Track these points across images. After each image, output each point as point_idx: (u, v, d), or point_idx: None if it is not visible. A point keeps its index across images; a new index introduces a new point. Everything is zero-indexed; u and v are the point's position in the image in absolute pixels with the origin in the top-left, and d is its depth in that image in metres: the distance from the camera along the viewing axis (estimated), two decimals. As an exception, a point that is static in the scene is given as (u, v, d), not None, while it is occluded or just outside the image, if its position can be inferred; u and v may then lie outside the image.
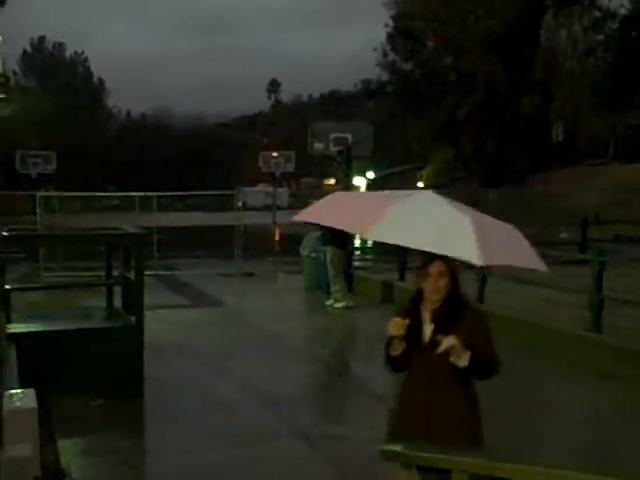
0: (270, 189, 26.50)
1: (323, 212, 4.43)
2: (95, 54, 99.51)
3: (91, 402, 7.60)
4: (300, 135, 39.72)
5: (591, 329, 9.87)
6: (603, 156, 41.75)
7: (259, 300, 15.38)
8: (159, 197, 21.52)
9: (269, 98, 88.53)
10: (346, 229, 4.46)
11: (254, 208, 21.55)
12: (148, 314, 8.73)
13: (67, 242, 11.32)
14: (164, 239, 20.17)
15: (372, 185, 30.51)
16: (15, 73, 68.88)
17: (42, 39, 76.35)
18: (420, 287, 4.10)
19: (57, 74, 72.55)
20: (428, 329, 4.04)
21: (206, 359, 9.90)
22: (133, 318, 8.42)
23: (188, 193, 32.13)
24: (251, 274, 18.72)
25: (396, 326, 3.93)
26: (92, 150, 66.86)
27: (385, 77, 54.51)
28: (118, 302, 9.43)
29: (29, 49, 75.32)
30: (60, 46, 76.86)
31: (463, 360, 3.80)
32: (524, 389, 8.59)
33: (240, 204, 21.12)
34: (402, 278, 14.33)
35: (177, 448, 6.69)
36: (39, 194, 20.11)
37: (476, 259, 3.53)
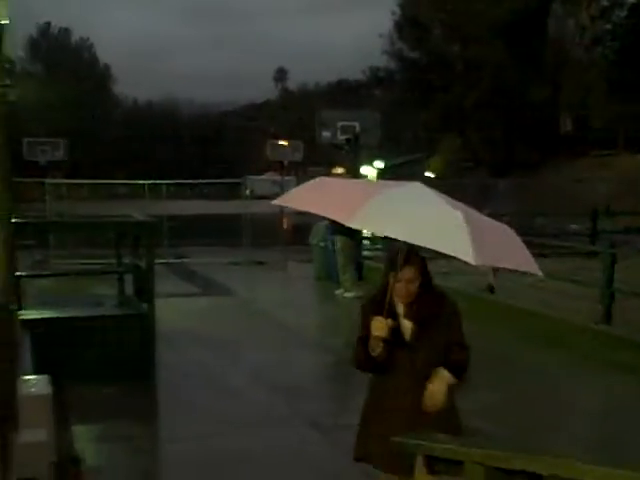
0: (278, 178, 26.45)
1: (305, 198, 4.11)
2: (101, 41, 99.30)
3: (104, 389, 7.66)
4: (308, 124, 39.67)
5: (602, 321, 9.88)
6: (612, 147, 41.58)
7: (269, 289, 15.42)
8: (168, 185, 21.53)
9: (276, 86, 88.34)
10: (327, 215, 4.21)
11: (262, 196, 21.49)
12: (159, 302, 8.78)
13: (77, 229, 11.39)
14: (173, 227, 20.20)
15: (381, 174, 30.46)
16: (21, 59, 68.87)
17: (47, 25, 76.18)
18: (388, 281, 3.94)
19: (63, 60, 72.38)
20: (407, 326, 3.95)
21: (216, 347, 9.95)
22: (144, 306, 8.48)
23: (196, 181, 32.13)
24: (260, 262, 18.75)
25: (380, 327, 3.80)
26: (100, 137, 66.87)
27: (392, 65, 54.43)
28: (129, 290, 9.48)
29: (35, 34, 75.19)
30: (65, 32, 76.69)
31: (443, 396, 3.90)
32: (535, 381, 8.61)
33: (248, 192, 21.12)
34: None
35: (188, 434, 6.75)
36: (47, 181, 20.13)
37: (471, 259, 3.35)
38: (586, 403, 7.89)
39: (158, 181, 20.71)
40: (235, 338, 10.54)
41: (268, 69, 79.53)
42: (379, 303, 3.91)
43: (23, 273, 8.79)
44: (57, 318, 8.18)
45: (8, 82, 6.08)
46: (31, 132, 34.78)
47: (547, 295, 11.87)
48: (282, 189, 17.40)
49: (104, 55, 78.28)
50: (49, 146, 29.67)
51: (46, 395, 5.55)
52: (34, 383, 5.66)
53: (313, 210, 4.05)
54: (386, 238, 4.31)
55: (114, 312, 8.84)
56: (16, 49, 59.82)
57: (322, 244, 15.68)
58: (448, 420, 4.00)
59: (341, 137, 17.34)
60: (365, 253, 17.09)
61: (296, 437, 6.76)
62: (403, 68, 53.13)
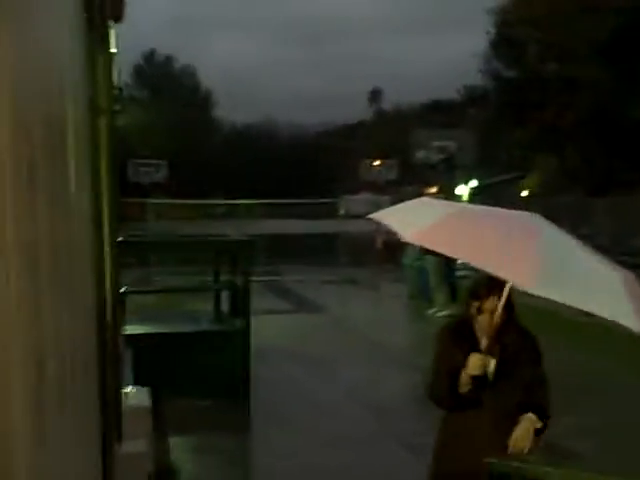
0: (372, 197, 26.63)
1: (433, 235, 3.62)
2: (203, 66, 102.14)
3: (200, 402, 7.86)
4: (402, 143, 39.68)
5: None
6: None
7: (361, 307, 15.49)
8: (263, 205, 21.91)
9: (370, 107, 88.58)
10: (485, 269, 3.47)
11: (356, 216, 21.66)
12: (253, 319, 8.95)
13: (178, 248, 11.71)
14: (269, 245, 20.53)
15: (475, 194, 30.19)
16: (127, 85, 71.42)
17: (152, 52, 78.98)
18: (471, 313, 3.78)
19: (166, 86, 74.84)
20: (490, 362, 3.71)
21: (310, 364, 10.07)
22: (240, 322, 8.66)
23: (291, 201, 32.57)
24: (354, 281, 18.84)
25: (478, 365, 3.61)
26: (199, 159, 68.58)
27: (487, 84, 53.93)
28: (224, 306, 9.71)
29: (141, 62, 78.02)
30: (169, 59, 79.40)
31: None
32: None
33: (342, 212, 21.30)
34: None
35: (281, 450, 6.86)
36: (150, 201, 20.79)
37: (635, 325, 3.15)
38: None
39: (254, 201, 21.10)
40: (328, 355, 10.64)
41: (363, 90, 79.69)
42: (460, 334, 3.79)
43: (127, 289, 9.11)
44: (157, 333, 8.45)
45: (116, 108, 6.37)
46: (135, 154, 35.98)
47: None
48: (377, 209, 17.45)
49: (206, 80, 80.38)
50: (152, 168, 30.71)
51: (146, 407, 5.76)
52: (135, 395, 5.88)
53: (446, 252, 3.72)
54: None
55: (211, 328, 9.06)
56: (123, 76, 62.09)
57: (416, 263, 15.65)
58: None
59: (436, 157, 17.33)
60: (459, 273, 16.95)
61: (388, 456, 6.78)
62: (498, 87, 52.57)
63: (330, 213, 23.82)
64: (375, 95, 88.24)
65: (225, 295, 9.74)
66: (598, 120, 43.70)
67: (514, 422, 3.69)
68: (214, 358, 8.27)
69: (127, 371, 6.79)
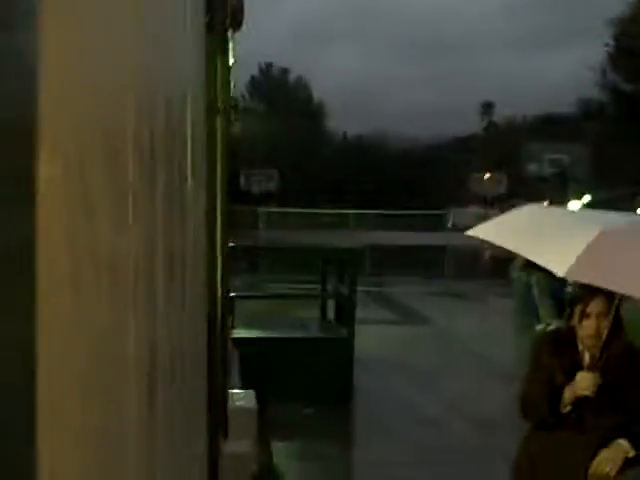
0: (481, 210, 26.28)
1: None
2: (316, 79, 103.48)
3: (303, 407, 7.94)
4: (513, 157, 38.97)
5: None
6: None
7: (467, 320, 15.28)
8: (372, 215, 21.98)
9: (482, 120, 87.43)
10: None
11: (465, 229, 21.42)
12: (358, 328, 8.99)
13: (286, 254, 11.90)
14: (376, 256, 20.56)
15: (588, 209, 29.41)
16: (243, 96, 73.04)
17: (269, 65, 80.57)
18: (572, 325, 3.53)
19: (280, 98, 76.15)
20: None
21: (412, 375, 10.02)
22: (345, 330, 8.71)
23: (400, 212, 32.52)
24: (460, 294, 18.64)
25: (587, 385, 3.34)
26: (309, 169, 69.29)
27: (604, 98, 52.35)
28: (329, 314, 9.79)
29: (257, 74, 79.68)
30: (284, 72, 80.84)
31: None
32: None
33: (451, 224, 21.14)
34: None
35: (382, 459, 6.85)
36: (260, 210, 21.19)
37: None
38: None
39: (362, 211, 21.20)
40: (431, 367, 10.56)
41: (474, 103, 78.62)
42: (560, 345, 3.56)
43: (236, 294, 9.31)
44: (264, 338, 8.60)
45: (232, 118, 6.53)
46: (249, 165, 36.69)
47: None
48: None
49: (318, 92, 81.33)
50: (264, 177, 31.31)
51: (252, 409, 5.87)
52: (241, 397, 6.00)
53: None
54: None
55: (318, 335, 9.15)
56: (239, 87, 63.50)
57: (524, 278, 15.35)
58: None
59: (548, 170, 16.99)
60: (568, 289, 16.52)
61: (492, 472, 6.67)
62: (615, 100, 50.95)
63: (439, 225, 23.69)
64: (487, 108, 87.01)
65: (331, 303, 9.82)
66: None
67: (605, 441, 3.45)
68: (318, 365, 8.35)
69: (234, 373, 6.94)
